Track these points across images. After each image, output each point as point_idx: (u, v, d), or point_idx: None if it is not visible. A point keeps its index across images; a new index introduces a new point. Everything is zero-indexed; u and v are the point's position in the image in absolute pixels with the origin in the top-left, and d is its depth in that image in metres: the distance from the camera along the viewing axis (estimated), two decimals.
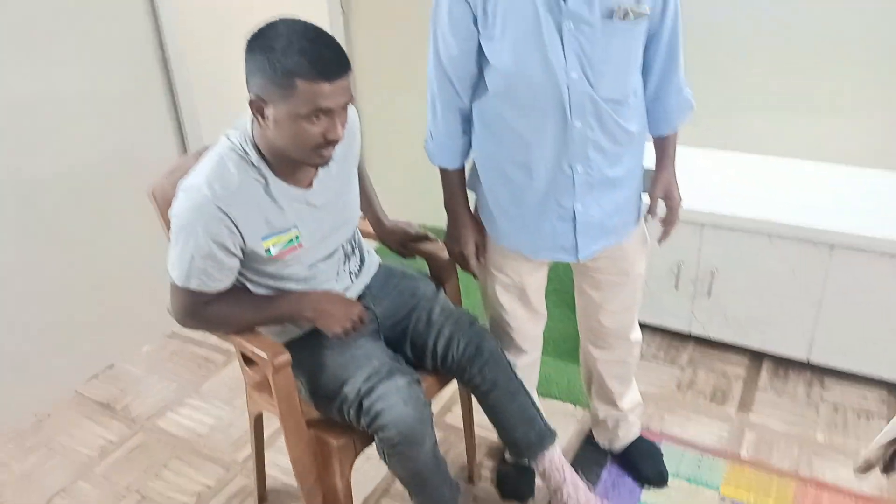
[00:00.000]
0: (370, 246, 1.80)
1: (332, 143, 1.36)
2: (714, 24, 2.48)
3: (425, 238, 1.84)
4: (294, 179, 1.46)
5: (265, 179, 1.42)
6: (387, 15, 3.07)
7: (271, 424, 1.97)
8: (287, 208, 1.46)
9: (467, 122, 1.58)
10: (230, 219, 1.37)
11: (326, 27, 3.15)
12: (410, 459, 1.49)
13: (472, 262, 1.71)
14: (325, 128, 1.33)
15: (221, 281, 1.43)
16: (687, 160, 2.62)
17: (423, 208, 3.19)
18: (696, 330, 2.46)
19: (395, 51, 3.12)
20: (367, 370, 1.49)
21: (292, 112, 1.30)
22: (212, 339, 2.28)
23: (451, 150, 1.61)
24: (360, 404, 1.47)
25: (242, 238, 1.40)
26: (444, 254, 1.80)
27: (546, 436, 1.66)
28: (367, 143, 3.46)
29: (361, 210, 1.84)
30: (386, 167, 3.47)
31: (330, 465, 1.55)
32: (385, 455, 1.50)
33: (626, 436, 2.02)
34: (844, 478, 1.96)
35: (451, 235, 1.71)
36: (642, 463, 1.99)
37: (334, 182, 1.55)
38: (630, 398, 1.97)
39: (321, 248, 1.55)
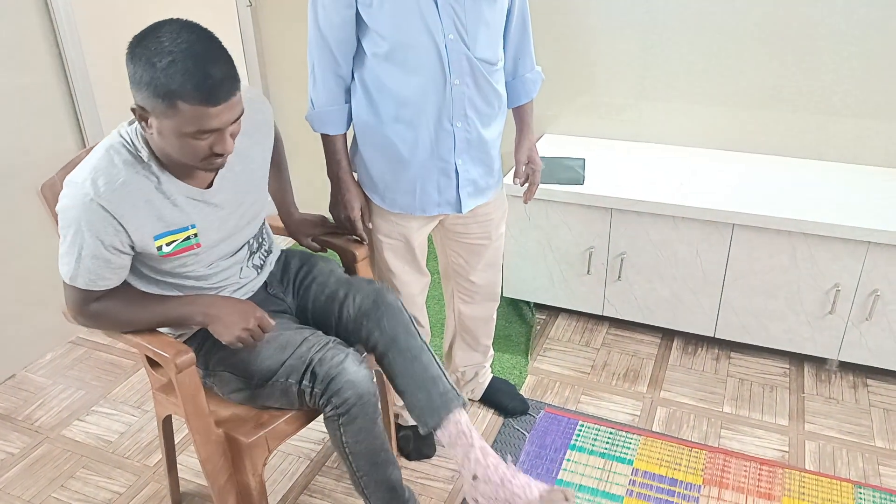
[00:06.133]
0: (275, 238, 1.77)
1: (219, 155, 1.31)
2: (623, 24, 2.55)
3: (336, 231, 1.81)
4: (190, 180, 1.40)
5: (156, 178, 1.35)
6: (295, 6, 3.01)
7: (184, 427, 1.91)
8: (184, 206, 1.40)
9: (347, 90, 1.64)
10: (114, 217, 1.30)
11: (234, 21, 3.09)
12: (364, 430, 1.46)
13: (359, 225, 1.75)
14: (211, 142, 1.28)
15: (111, 280, 1.37)
16: (599, 151, 2.70)
17: None
18: (610, 312, 2.53)
19: (305, 42, 3.06)
20: (312, 340, 1.47)
21: (176, 129, 1.24)
22: (120, 343, 2.17)
23: (333, 117, 1.66)
24: (312, 371, 1.42)
25: (129, 237, 1.34)
26: (356, 246, 1.78)
27: (452, 398, 1.53)
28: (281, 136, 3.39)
29: (273, 201, 1.79)
30: (298, 160, 3.40)
31: (241, 464, 1.52)
32: (339, 427, 1.45)
33: (484, 381, 2.22)
34: (750, 445, 2.05)
35: (337, 201, 1.75)
36: (504, 399, 2.21)
37: (238, 178, 1.49)
38: (489, 347, 2.17)
39: (223, 247, 1.49)
